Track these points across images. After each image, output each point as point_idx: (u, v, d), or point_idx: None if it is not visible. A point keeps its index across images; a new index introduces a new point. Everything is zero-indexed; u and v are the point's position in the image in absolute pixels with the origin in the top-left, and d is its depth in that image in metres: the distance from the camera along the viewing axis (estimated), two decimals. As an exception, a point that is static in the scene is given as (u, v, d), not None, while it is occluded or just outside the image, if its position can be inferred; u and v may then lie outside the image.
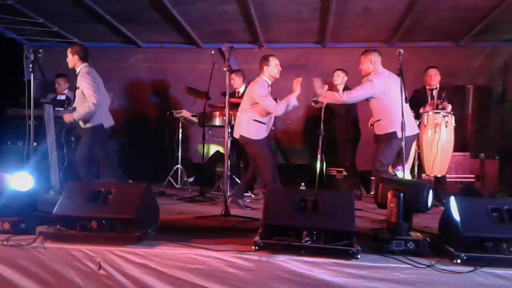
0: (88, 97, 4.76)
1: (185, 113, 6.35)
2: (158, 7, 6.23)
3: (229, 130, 4.78)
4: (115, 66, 8.31)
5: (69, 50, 4.96)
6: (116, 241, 3.16)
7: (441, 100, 5.38)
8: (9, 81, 7.38)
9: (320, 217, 3.08)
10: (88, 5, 6.19)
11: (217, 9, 6.32)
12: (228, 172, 4.65)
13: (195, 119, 6.26)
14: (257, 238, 3.09)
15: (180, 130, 6.61)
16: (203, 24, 7.00)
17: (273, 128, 5.34)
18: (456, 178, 6.21)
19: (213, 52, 5.94)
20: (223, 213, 4.18)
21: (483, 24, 6.52)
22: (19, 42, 8.03)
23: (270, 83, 5.02)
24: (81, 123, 4.89)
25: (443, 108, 5.34)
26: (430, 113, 5.39)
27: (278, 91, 7.60)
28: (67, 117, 4.89)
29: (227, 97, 4.34)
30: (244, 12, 6.40)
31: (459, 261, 2.82)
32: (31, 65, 4.38)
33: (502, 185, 6.56)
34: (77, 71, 4.93)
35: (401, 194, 3.06)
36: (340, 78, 6.40)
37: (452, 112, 5.41)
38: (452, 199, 3.08)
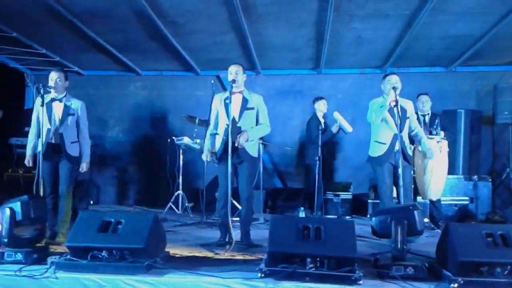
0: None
1: (187, 140, 6.50)
2: (159, 38, 6.42)
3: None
4: (115, 94, 8.50)
5: (62, 74, 4.76)
6: (126, 270, 3.27)
7: (435, 127, 5.57)
8: (11, 110, 7.52)
9: (322, 245, 3.22)
10: (90, 36, 6.37)
11: (215, 39, 6.53)
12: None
13: (196, 146, 6.41)
14: (262, 265, 3.21)
15: (181, 156, 6.74)
16: (201, 52, 7.21)
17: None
18: (450, 200, 6.37)
19: (212, 81, 6.13)
20: (227, 240, 4.28)
21: (472, 50, 6.76)
22: (20, 71, 8.21)
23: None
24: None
25: (437, 134, 5.53)
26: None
27: (274, 116, 7.83)
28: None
29: (230, 127, 4.46)
30: (242, 42, 6.61)
31: (456, 285, 2.95)
32: (41, 99, 4.46)
33: (495, 207, 6.73)
34: (70, 99, 4.82)
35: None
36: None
37: (445, 138, 5.60)
38: (448, 226, 3.24)
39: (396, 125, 4.54)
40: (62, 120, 4.70)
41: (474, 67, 7.67)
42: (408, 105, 4.89)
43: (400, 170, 4.43)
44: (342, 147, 8.07)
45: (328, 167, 7.53)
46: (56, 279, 3.24)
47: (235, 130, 4.48)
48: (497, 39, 6.22)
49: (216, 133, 4.66)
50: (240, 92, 4.61)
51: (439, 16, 5.57)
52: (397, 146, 4.64)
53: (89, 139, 4.95)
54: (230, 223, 4.34)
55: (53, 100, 4.71)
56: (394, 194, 4.90)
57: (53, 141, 4.67)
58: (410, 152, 4.95)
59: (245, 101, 4.60)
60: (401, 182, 4.40)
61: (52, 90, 4.65)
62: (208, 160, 4.71)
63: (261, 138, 5.69)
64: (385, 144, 4.74)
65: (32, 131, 4.76)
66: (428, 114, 5.96)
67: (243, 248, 4.27)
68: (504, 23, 5.64)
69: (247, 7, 5.37)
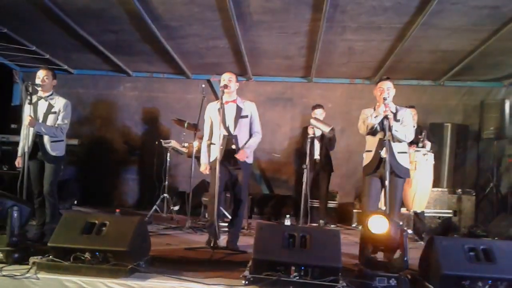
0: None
1: (174, 143, 6.47)
2: (151, 40, 6.40)
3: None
4: (104, 94, 8.45)
5: (50, 73, 4.75)
6: (109, 273, 3.25)
7: (421, 138, 5.63)
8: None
9: (307, 253, 3.23)
10: (82, 36, 6.33)
11: (208, 43, 6.54)
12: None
13: (184, 150, 6.38)
14: (246, 273, 3.21)
15: (168, 159, 6.70)
16: (193, 56, 7.21)
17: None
18: (434, 213, 6.42)
19: (203, 85, 6.13)
20: (211, 245, 4.27)
21: (461, 65, 6.87)
22: (8, 67, 8.12)
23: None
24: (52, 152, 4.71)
25: (423, 146, 5.58)
26: (411, 151, 5.60)
27: (264, 122, 7.84)
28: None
29: (220, 131, 4.47)
30: (234, 47, 6.62)
31: (438, 298, 2.98)
32: (28, 97, 4.42)
33: (478, 220, 6.80)
34: (54, 97, 4.77)
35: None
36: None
37: (431, 150, 5.66)
38: (432, 239, 3.27)
39: (383, 131, 4.39)
40: (44, 119, 4.65)
41: (462, 82, 7.79)
42: (404, 112, 4.63)
43: (386, 182, 4.21)
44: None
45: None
46: (37, 280, 3.23)
47: (231, 139, 4.59)
48: (486, 55, 6.33)
49: (212, 143, 4.70)
50: (233, 101, 4.66)
51: (430, 31, 5.64)
52: (384, 154, 4.37)
53: (62, 135, 4.76)
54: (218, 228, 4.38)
55: (39, 98, 4.69)
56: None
57: (37, 140, 4.62)
58: (407, 164, 4.60)
59: (239, 109, 4.66)
60: (387, 195, 4.24)
61: (39, 89, 4.61)
62: (208, 173, 4.72)
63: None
64: (370, 151, 4.57)
65: (23, 131, 4.65)
66: (414, 126, 6.01)
67: (229, 254, 4.26)
68: (493, 40, 5.73)
69: (241, 14, 5.40)
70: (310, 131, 6.45)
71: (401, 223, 4.64)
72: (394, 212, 4.32)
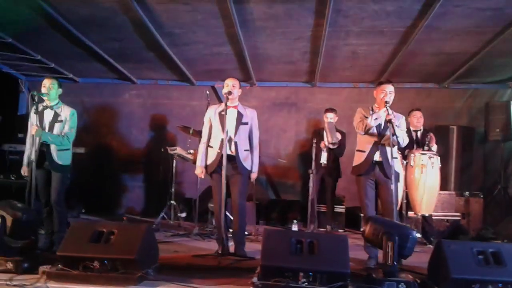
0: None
1: (180, 150, 6.48)
2: (155, 48, 6.44)
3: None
4: (109, 102, 8.49)
5: (55, 82, 4.76)
6: (118, 282, 3.26)
7: (427, 142, 5.62)
8: (4, 116, 7.48)
9: (316, 259, 3.22)
10: (86, 45, 6.37)
11: (212, 50, 6.56)
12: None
13: (189, 156, 6.39)
14: (255, 279, 3.21)
15: (174, 166, 6.72)
16: (197, 63, 7.24)
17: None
18: (442, 216, 6.38)
19: (208, 92, 6.15)
20: (219, 252, 4.27)
21: (465, 68, 6.85)
22: (14, 76, 8.18)
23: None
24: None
25: (429, 149, 5.57)
26: (417, 154, 5.60)
27: (268, 127, 7.89)
28: None
29: (225, 137, 4.48)
30: (238, 54, 6.65)
31: (448, 302, 2.97)
32: (34, 106, 4.45)
33: (486, 222, 6.76)
34: (60, 106, 4.78)
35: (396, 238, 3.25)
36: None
37: (437, 153, 5.64)
38: (441, 243, 3.26)
39: (380, 135, 4.43)
40: (50, 128, 4.66)
41: (466, 84, 7.77)
42: (401, 118, 4.63)
43: (392, 186, 4.21)
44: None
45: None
46: (47, 289, 3.23)
47: (231, 144, 4.59)
48: (490, 57, 6.31)
49: (210, 146, 4.70)
50: (235, 106, 4.68)
51: (433, 34, 5.64)
52: (378, 157, 4.41)
53: (69, 144, 4.78)
54: (226, 235, 4.42)
55: (45, 107, 4.71)
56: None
57: (43, 149, 4.62)
58: (398, 168, 4.63)
59: (240, 116, 4.68)
60: (391, 198, 4.23)
61: (45, 98, 4.65)
62: (203, 177, 4.72)
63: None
64: (364, 152, 4.50)
65: (29, 140, 4.68)
66: (420, 130, 6.02)
67: (237, 260, 4.26)
68: (497, 41, 5.72)
69: (244, 20, 5.42)
70: (322, 145, 6.50)
71: (408, 225, 4.62)
72: (393, 215, 4.29)
